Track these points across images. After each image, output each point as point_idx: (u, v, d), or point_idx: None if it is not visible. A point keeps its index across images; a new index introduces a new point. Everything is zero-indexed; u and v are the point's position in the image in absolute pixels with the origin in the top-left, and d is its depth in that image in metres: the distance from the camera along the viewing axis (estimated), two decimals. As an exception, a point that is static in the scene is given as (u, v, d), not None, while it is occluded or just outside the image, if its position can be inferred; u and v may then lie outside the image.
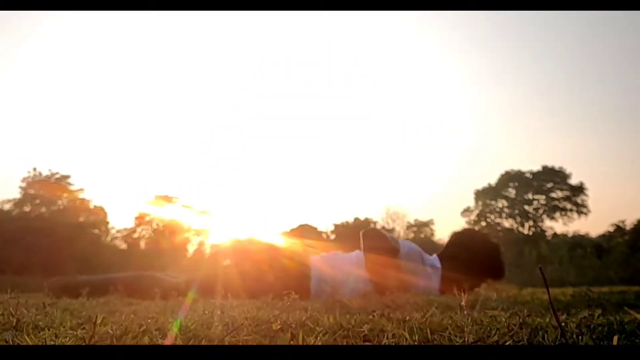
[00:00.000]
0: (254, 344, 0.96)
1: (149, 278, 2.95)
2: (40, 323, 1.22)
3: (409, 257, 2.82)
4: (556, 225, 34.87)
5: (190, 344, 0.93)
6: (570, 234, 32.56)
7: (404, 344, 0.95)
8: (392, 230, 32.22)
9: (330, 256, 2.97)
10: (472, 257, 2.93)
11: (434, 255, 3.03)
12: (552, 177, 35.07)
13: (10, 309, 1.41)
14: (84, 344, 0.93)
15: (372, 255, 2.81)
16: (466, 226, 36.24)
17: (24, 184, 20.28)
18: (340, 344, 0.95)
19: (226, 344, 0.93)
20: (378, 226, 30.63)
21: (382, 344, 0.94)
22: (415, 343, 0.98)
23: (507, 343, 0.90)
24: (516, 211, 35.33)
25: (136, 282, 2.87)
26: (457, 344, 0.92)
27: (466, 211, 36.17)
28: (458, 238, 3.16)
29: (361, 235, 2.90)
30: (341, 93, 39.94)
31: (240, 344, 0.95)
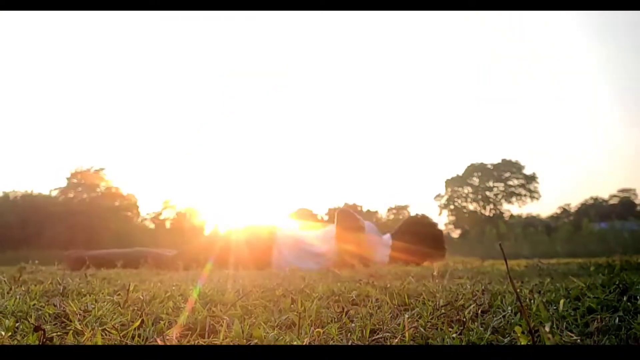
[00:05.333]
0: (261, 308, 0.96)
1: (144, 252, 2.98)
2: (83, 290, 1.22)
3: (370, 231, 3.00)
4: (512, 208, 35.11)
5: (207, 308, 0.93)
6: (524, 215, 32.80)
7: (386, 307, 0.96)
8: (375, 212, 32.29)
9: (301, 234, 3.10)
10: (417, 238, 3.07)
11: (387, 235, 3.21)
12: (509, 168, 35.21)
13: (58, 278, 1.41)
14: (119, 307, 0.93)
15: (343, 230, 2.94)
16: (439, 209, 36.42)
17: (68, 174, 20.22)
18: (332, 308, 0.96)
19: (238, 308, 0.93)
20: (364, 209, 30.71)
21: (367, 307, 0.94)
22: (395, 307, 0.98)
23: (471, 306, 0.90)
24: (479, 196, 35.49)
25: (132, 255, 2.88)
26: (429, 306, 0.92)
27: (438, 196, 36.32)
28: (407, 222, 3.35)
29: (336, 214, 3.02)
30: (337, 89, 39.71)
31: (249, 308, 0.96)
